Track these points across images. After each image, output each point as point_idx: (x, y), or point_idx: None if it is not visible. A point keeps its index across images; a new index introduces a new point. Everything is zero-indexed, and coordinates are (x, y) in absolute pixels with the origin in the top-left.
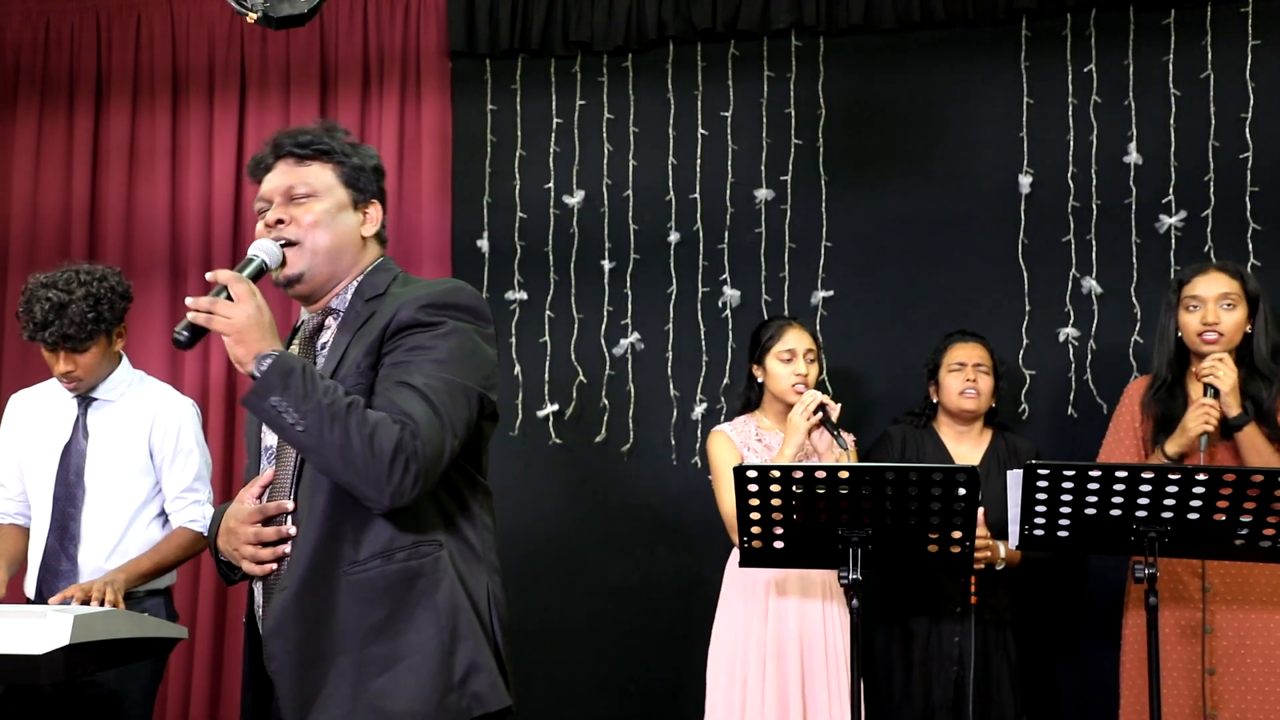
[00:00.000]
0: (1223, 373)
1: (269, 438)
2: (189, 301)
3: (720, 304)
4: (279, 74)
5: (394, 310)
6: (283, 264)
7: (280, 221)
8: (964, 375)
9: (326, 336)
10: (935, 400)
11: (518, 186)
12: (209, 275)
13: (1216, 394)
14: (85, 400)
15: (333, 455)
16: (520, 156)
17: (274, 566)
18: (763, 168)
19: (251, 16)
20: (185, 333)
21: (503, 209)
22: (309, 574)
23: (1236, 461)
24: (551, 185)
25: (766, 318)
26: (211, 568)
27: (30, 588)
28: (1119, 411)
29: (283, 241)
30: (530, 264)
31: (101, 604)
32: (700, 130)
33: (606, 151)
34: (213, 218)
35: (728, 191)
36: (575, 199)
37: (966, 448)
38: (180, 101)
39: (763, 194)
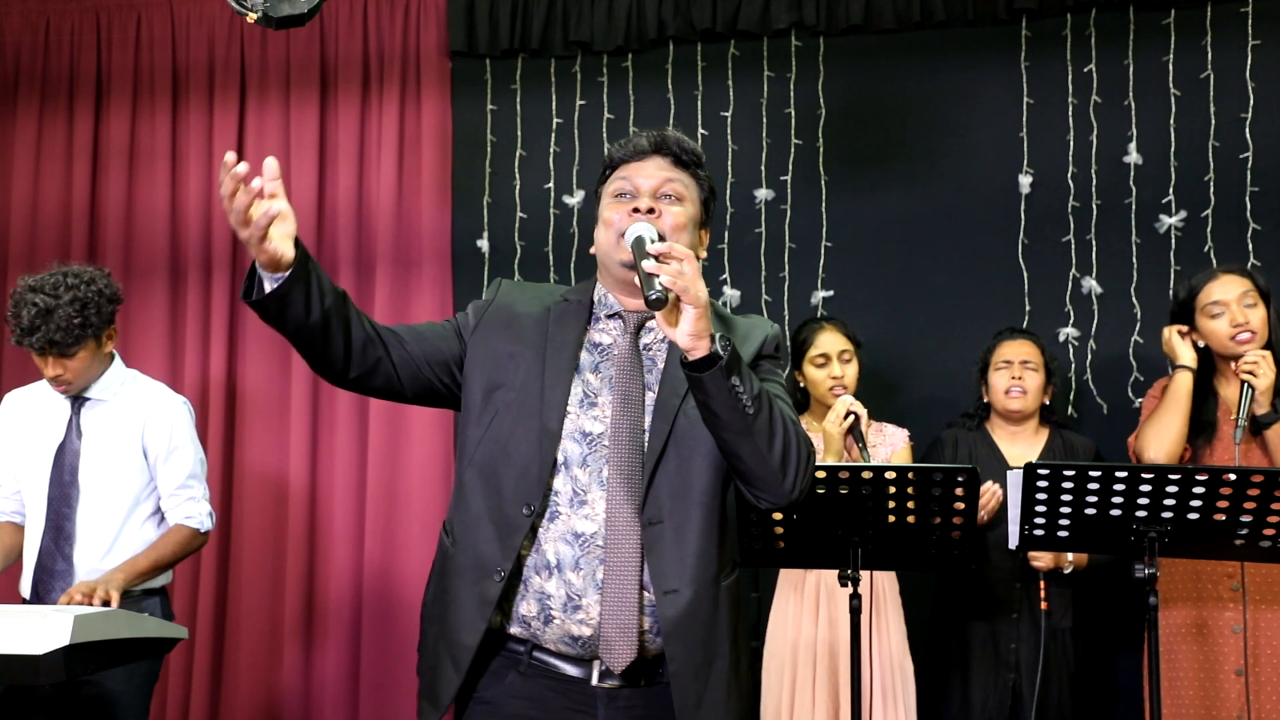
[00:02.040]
0: (1263, 370)
1: (592, 423)
2: (660, 268)
3: (720, 304)
4: (279, 74)
5: (757, 337)
6: None
7: (651, 211)
8: (1010, 373)
9: (650, 339)
10: (986, 400)
11: (518, 186)
12: (660, 247)
13: (1252, 391)
14: (78, 400)
15: (763, 441)
16: (520, 156)
17: None
18: (763, 168)
19: (251, 16)
20: (662, 293)
21: (503, 209)
22: (699, 579)
23: (1265, 457)
24: (551, 185)
25: (763, 316)
26: (211, 567)
27: (26, 588)
28: (1149, 407)
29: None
30: (530, 264)
31: (105, 604)
32: (700, 130)
33: (606, 151)
34: (213, 218)
35: (728, 191)
36: (575, 199)
37: (1021, 448)
38: (180, 102)
39: (763, 194)
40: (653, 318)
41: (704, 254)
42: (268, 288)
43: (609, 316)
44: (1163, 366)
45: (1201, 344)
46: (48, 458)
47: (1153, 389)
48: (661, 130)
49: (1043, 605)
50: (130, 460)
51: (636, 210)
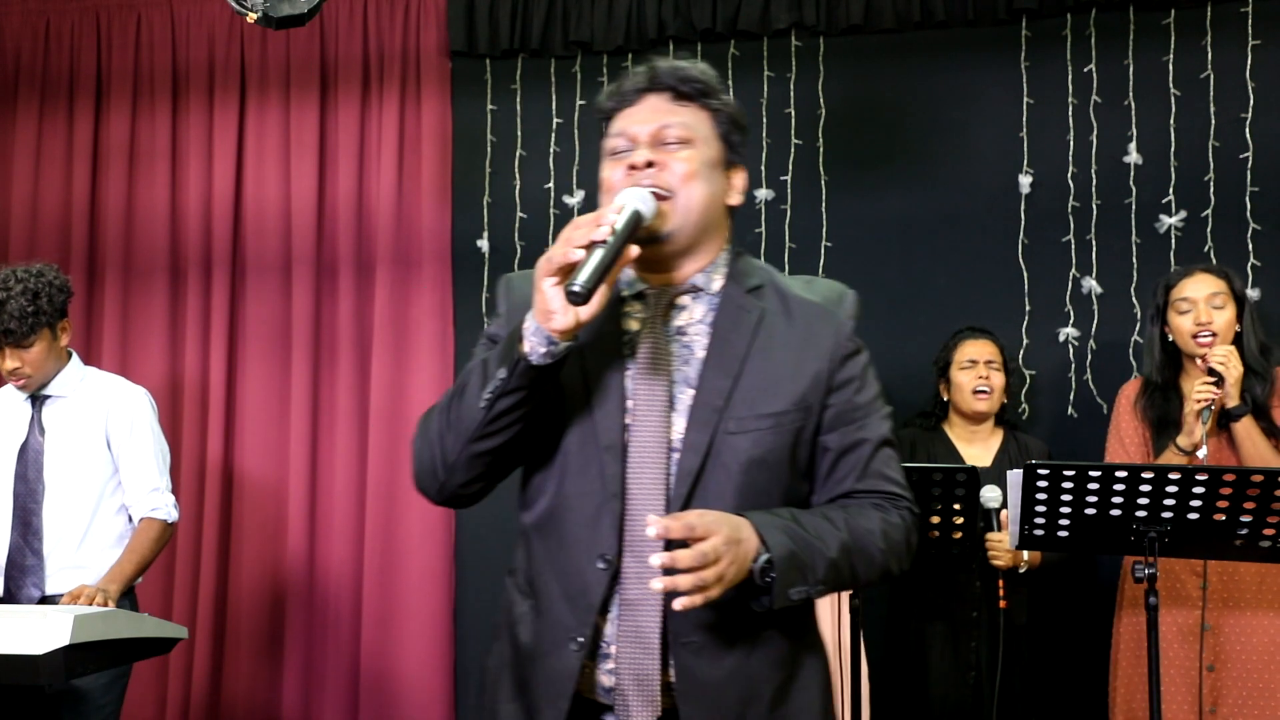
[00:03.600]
0: (1233, 362)
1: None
2: (675, 583)
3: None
4: (279, 74)
5: (830, 325)
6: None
7: (651, 165)
8: (975, 373)
9: (685, 319)
10: (945, 399)
11: (518, 186)
12: (651, 533)
13: (1218, 379)
14: (38, 398)
15: (850, 584)
16: (520, 156)
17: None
18: (763, 168)
19: (251, 16)
20: (584, 290)
21: (503, 209)
22: (731, 626)
23: (1232, 451)
24: (551, 185)
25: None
26: (211, 567)
27: None
28: (1117, 415)
29: (654, 190)
30: (530, 264)
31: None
32: None
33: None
34: (213, 218)
35: None
36: (575, 199)
37: (978, 449)
38: (180, 101)
39: (763, 194)
40: (687, 292)
41: (739, 199)
42: (544, 351)
43: (634, 297)
44: None
45: (1170, 338)
46: (10, 457)
47: (1124, 397)
48: (654, 62)
49: (1002, 604)
50: (95, 453)
51: (634, 168)
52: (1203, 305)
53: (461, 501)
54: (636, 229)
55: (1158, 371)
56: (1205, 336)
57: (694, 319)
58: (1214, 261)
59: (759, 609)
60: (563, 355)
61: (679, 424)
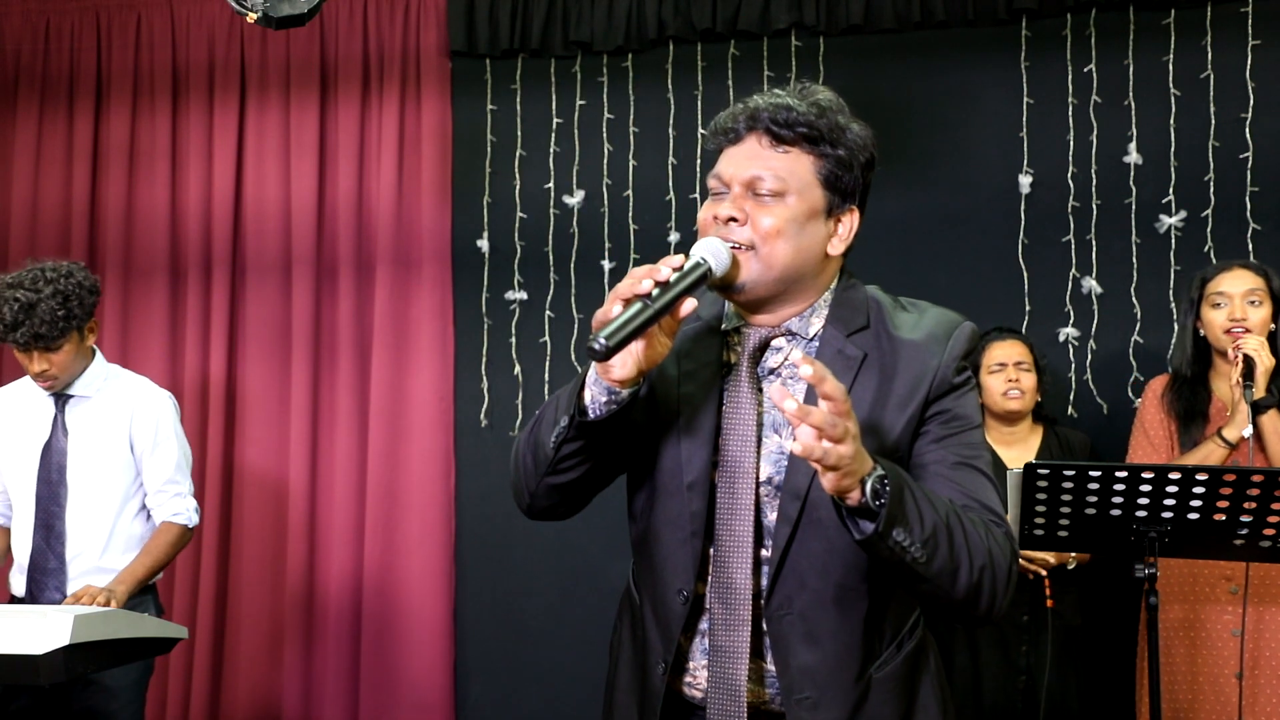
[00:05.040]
0: (1265, 352)
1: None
2: (808, 412)
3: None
4: (279, 74)
5: (928, 366)
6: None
7: (733, 220)
8: (1005, 375)
9: (778, 361)
10: (979, 403)
11: (518, 186)
12: (807, 374)
13: (1250, 373)
14: (62, 398)
15: (946, 580)
16: (520, 156)
17: None
18: None
19: (251, 16)
20: (604, 347)
21: (503, 209)
22: (839, 680)
23: (1258, 445)
24: (551, 185)
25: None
26: (211, 567)
27: (19, 587)
28: (1143, 409)
29: (733, 245)
30: (530, 264)
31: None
32: (700, 130)
33: (606, 151)
34: (213, 218)
35: None
36: (575, 199)
37: (1018, 450)
38: (180, 101)
39: None
40: (782, 335)
41: (842, 247)
42: (605, 401)
43: (734, 330)
44: (1161, 365)
45: (1202, 332)
46: (34, 457)
47: (1151, 391)
48: (758, 97)
49: (1048, 603)
50: (118, 456)
51: (717, 219)
52: (1238, 301)
53: (552, 519)
54: (701, 282)
55: (1188, 365)
56: (1239, 331)
57: (788, 361)
58: (1214, 262)
59: (860, 535)
60: (627, 403)
61: (764, 469)
